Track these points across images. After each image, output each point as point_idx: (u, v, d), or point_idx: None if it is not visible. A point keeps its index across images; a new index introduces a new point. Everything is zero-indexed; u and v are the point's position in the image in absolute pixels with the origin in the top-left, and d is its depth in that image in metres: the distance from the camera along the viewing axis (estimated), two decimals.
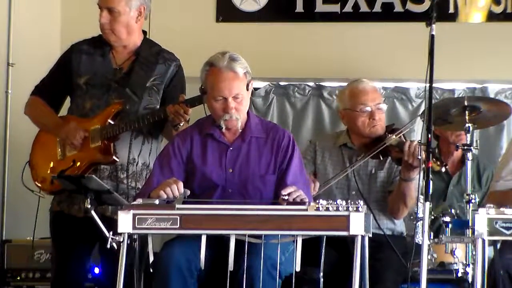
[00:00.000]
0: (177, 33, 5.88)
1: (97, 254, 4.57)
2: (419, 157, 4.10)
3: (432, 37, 3.66)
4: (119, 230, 3.57)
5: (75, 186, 3.87)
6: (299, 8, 5.92)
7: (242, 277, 3.58)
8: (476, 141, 4.46)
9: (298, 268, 3.51)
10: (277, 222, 3.52)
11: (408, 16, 5.78)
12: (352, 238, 3.49)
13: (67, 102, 4.61)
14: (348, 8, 5.86)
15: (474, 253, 3.80)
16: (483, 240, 3.47)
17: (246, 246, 3.52)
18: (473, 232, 3.51)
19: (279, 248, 3.56)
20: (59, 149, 4.46)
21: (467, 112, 4.42)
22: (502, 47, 5.68)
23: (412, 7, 5.79)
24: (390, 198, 4.52)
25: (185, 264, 3.77)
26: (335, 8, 5.88)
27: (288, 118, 6.03)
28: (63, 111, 4.62)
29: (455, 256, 4.29)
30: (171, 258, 3.78)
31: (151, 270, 3.74)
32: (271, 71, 5.87)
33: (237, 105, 3.99)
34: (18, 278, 5.27)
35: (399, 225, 4.63)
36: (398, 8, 5.81)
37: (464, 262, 4.29)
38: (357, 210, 3.46)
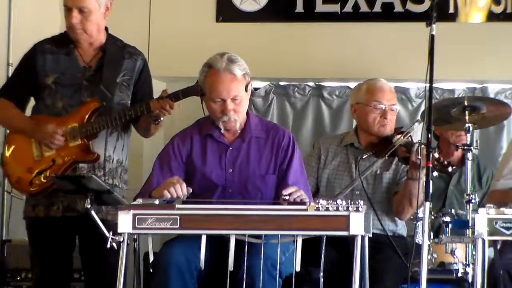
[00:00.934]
0: (177, 33, 5.89)
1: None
2: (419, 157, 4.11)
3: (432, 37, 3.66)
4: (119, 230, 3.57)
5: (75, 186, 3.87)
6: (299, 8, 5.91)
7: (242, 277, 3.58)
8: (476, 141, 4.46)
9: (298, 268, 3.51)
10: (277, 222, 3.52)
11: (408, 16, 5.77)
12: (352, 238, 3.49)
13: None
14: (348, 8, 5.85)
15: (474, 253, 3.80)
16: (483, 240, 3.46)
17: (246, 246, 3.53)
18: (473, 232, 3.51)
19: (279, 248, 3.56)
20: (36, 149, 4.39)
21: (467, 112, 4.42)
22: (502, 47, 5.68)
23: (412, 7, 5.78)
24: (395, 198, 4.52)
25: (185, 264, 3.77)
26: (335, 8, 5.88)
27: (288, 118, 6.03)
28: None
29: (455, 256, 4.28)
30: (171, 258, 3.78)
31: (151, 270, 3.74)
32: (271, 71, 5.87)
33: (235, 106, 3.99)
34: (18, 278, 5.26)
35: (401, 228, 4.63)
36: (398, 8, 5.81)
37: (464, 262, 4.28)
38: (357, 210, 3.47)
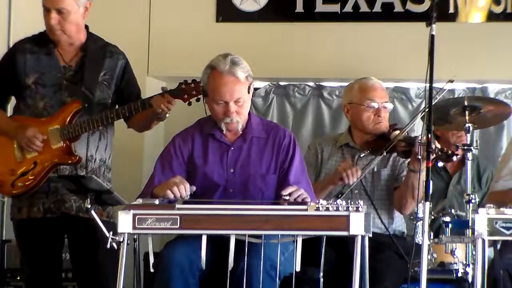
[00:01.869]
0: (177, 33, 5.89)
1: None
2: (419, 157, 4.12)
3: (432, 37, 3.66)
4: (119, 230, 3.56)
5: (75, 186, 3.87)
6: (299, 8, 5.92)
7: (240, 276, 3.58)
8: (476, 141, 4.46)
9: (298, 268, 3.51)
10: (277, 222, 3.51)
11: (408, 16, 5.77)
12: (352, 238, 3.49)
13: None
14: (348, 8, 5.85)
15: (474, 253, 3.80)
16: (483, 240, 3.46)
17: (246, 246, 3.53)
18: (473, 232, 3.51)
19: (279, 248, 3.56)
20: (17, 151, 4.38)
21: (467, 112, 4.42)
22: (502, 47, 5.68)
23: (412, 7, 5.78)
24: (397, 193, 4.52)
25: (187, 265, 3.77)
26: (335, 8, 5.88)
27: (288, 118, 6.04)
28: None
29: (455, 256, 4.29)
30: (173, 258, 3.78)
31: (152, 270, 3.74)
32: (271, 71, 5.87)
33: (238, 108, 4.00)
34: (18, 278, 5.26)
35: (400, 225, 4.63)
36: (398, 8, 5.81)
37: (464, 262, 4.29)
38: (357, 210, 3.47)
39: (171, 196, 3.76)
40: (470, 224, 4.06)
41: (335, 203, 3.49)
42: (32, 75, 4.40)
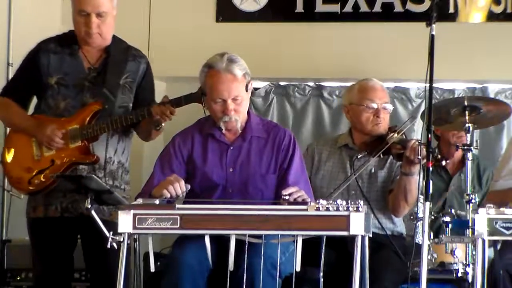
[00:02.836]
0: (177, 33, 5.89)
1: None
2: (419, 157, 4.11)
3: (432, 37, 3.67)
4: (119, 230, 3.57)
5: (75, 186, 3.88)
6: (299, 8, 5.91)
7: (241, 276, 3.58)
8: (476, 141, 4.46)
9: (298, 268, 3.51)
10: (277, 222, 3.52)
11: (408, 16, 5.77)
12: (352, 238, 3.49)
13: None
14: (348, 8, 5.85)
15: (474, 253, 3.80)
16: (483, 240, 3.46)
17: (246, 246, 3.53)
18: (473, 232, 3.51)
19: (279, 248, 3.56)
20: (35, 149, 4.40)
21: (467, 112, 4.42)
22: (502, 47, 5.68)
23: (412, 7, 5.78)
24: (391, 196, 4.52)
25: (197, 266, 3.77)
26: (335, 8, 5.88)
27: (288, 118, 6.03)
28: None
29: (455, 256, 4.29)
30: (184, 259, 3.78)
31: (152, 270, 3.74)
32: (271, 71, 5.87)
33: (236, 106, 4.00)
34: (18, 278, 5.26)
35: (399, 225, 4.63)
36: (398, 8, 5.81)
37: (464, 262, 4.28)
38: (357, 210, 3.46)
39: (168, 195, 3.77)
40: (470, 224, 4.06)
41: (335, 203, 3.49)
42: (55, 75, 4.41)
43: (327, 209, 3.48)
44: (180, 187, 3.79)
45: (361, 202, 3.49)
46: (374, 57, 5.76)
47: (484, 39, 5.71)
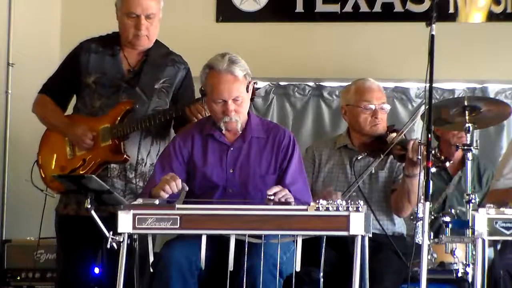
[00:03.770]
0: (177, 33, 5.87)
1: (100, 254, 4.58)
2: (419, 157, 4.11)
3: (432, 37, 3.66)
4: (119, 230, 3.57)
5: (76, 186, 3.88)
6: (299, 8, 5.92)
7: (243, 277, 3.58)
8: (476, 141, 4.46)
9: (298, 268, 3.51)
10: (277, 222, 3.52)
11: (408, 16, 5.77)
12: (352, 238, 3.49)
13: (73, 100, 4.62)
14: (348, 8, 5.86)
15: (474, 253, 3.80)
16: (483, 240, 3.46)
17: (246, 246, 3.53)
18: (473, 232, 3.51)
19: (279, 248, 3.56)
20: (69, 148, 4.46)
21: (467, 112, 4.42)
22: (502, 47, 5.68)
23: (412, 7, 5.79)
24: (393, 196, 4.52)
25: (186, 264, 3.77)
26: (335, 8, 5.88)
27: (288, 118, 6.03)
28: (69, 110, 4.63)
29: (455, 256, 4.28)
30: (172, 258, 3.78)
31: (151, 270, 3.74)
32: (271, 71, 5.87)
33: (236, 107, 4.00)
34: (18, 278, 5.26)
35: (400, 226, 4.63)
36: (398, 8, 5.81)
37: (464, 262, 4.28)
38: (357, 210, 3.47)
39: (165, 196, 3.77)
40: (470, 224, 4.06)
41: (335, 203, 3.49)
42: (93, 74, 4.45)
43: (327, 209, 3.49)
44: (176, 185, 3.80)
45: (361, 202, 3.49)
46: (374, 57, 5.76)
47: (484, 39, 5.71)
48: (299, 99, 6.05)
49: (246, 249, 3.53)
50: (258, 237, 3.58)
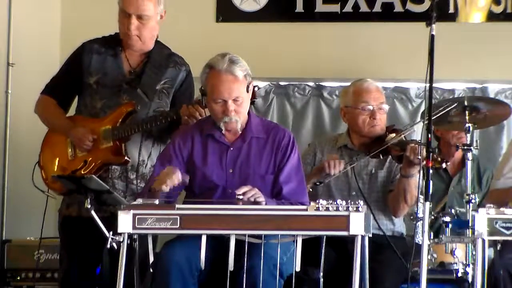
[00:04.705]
0: (177, 33, 5.86)
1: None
2: (419, 157, 4.11)
3: (432, 37, 3.66)
4: (119, 230, 3.57)
5: (75, 186, 3.88)
6: (299, 8, 5.92)
7: (243, 277, 3.58)
8: (476, 141, 4.46)
9: (298, 268, 3.51)
10: (277, 222, 3.52)
11: (408, 16, 5.78)
12: (351, 238, 3.49)
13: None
14: (348, 8, 5.86)
15: (474, 253, 3.80)
16: (483, 240, 3.46)
17: (246, 246, 3.53)
18: (473, 232, 3.51)
19: (279, 248, 3.56)
20: (70, 149, 4.46)
21: (467, 112, 4.42)
22: (502, 47, 5.68)
23: (412, 7, 5.79)
24: (390, 196, 4.53)
25: (186, 264, 3.77)
26: (335, 8, 5.88)
27: (288, 118, 6.03)
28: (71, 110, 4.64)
29: (455, 256, 4.29)
30: (172, 258, 3.78)
31: (151, 270, 3.74)
32: (271, 71, 5.87)
33: (236, 107, 4.00)
34: (18, 278, 5.27)
35: (399, 226, 4.63)
36: (398, 8, 5.81)
37: (464, 262, 4.29)
38: (357, 210, 3.47)
39: (167, 189, 3.77)
40: (470, 224, 4.06)
41: (335, 203, 3.49)
42: (95, 75, 4.45)
43: (327, 209, 3.48)
44: (176, 178, 3.80)
45: (361, 202, 3.49)
46: (374, 57, 5.77)
47: (484, 39, 5.71)
48: (299, 99, 6.05)
49: (246, 249, 3.53)
50: (258, 237, 3.58)
